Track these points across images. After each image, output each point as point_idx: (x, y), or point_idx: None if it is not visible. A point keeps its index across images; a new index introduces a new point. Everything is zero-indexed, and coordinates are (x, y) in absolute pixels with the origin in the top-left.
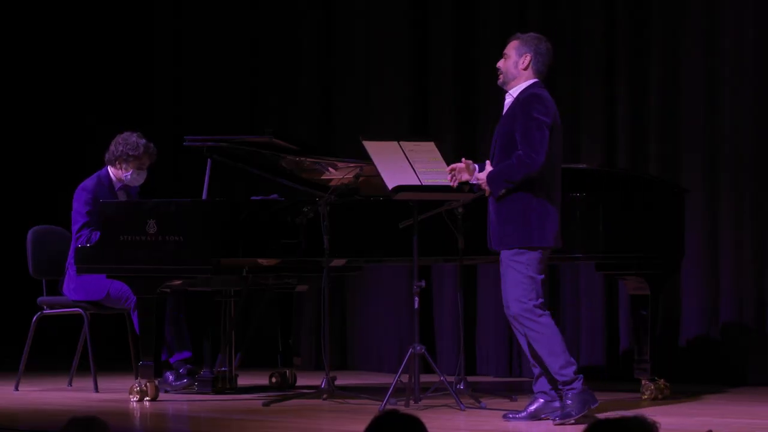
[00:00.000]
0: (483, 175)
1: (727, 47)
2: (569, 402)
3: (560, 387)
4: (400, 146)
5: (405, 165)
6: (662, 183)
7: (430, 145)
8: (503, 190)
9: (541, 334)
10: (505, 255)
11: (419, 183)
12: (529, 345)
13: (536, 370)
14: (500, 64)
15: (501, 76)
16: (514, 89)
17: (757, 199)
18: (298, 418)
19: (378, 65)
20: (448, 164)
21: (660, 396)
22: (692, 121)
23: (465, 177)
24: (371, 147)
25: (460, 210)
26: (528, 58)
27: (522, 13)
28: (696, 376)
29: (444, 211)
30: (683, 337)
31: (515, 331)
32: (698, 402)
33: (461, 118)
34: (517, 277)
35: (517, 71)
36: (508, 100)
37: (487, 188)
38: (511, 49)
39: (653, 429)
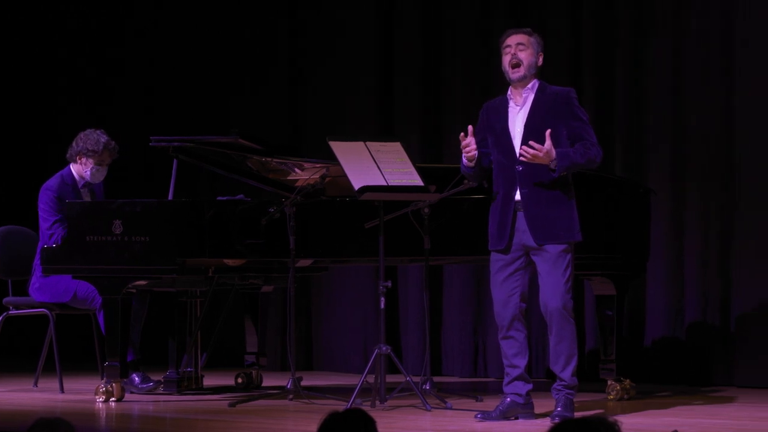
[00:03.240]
0: (546, 145)
1: (692, 48)
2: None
3: (564, 388)
4: (367, 147)
5: (371, 165)
6: (628, 183)
7: (397, 146)
8: (564, 171)
9: (572, 334)
10: (554, 250)
11: (385, 183)
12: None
13: (516, 372)
14: (522, 56)
15: (522, 69)
16: (531, 83)
17: (722, 200)
18: (263, 418)
19: (345, 66)
20: (413, 164)
21: (625, 396)
22: (658, 121)
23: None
24: (337, 147)
25: (426, 210)
26: (541, 58)
27: (488, 13)
28: (661, 376)
29: (410, 211)
30: (648, 337)
31: (550, 326)
32: (663, 402)
33: (427, 118)
34: (567, 272)
35: (536, 67)
36: (527, 94)
37: (553, 162)
38: (534, 43)
39: (614, 428)
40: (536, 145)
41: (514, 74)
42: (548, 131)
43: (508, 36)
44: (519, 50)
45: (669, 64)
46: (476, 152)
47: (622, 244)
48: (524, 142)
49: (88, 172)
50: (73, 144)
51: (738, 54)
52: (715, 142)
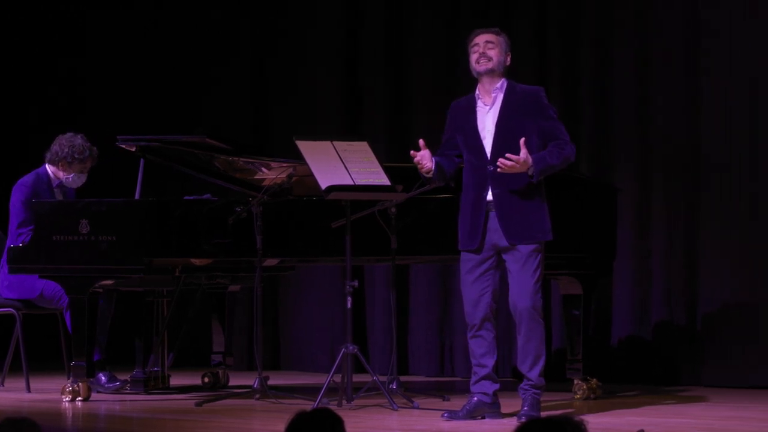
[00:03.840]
0: (522, 155)
1: (658, 47)
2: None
3: (531, 388)
4: (333, 146)
5: (338, 165)
6: (595, 183)
7: (363, 145)
8: (542, 176)
9: (540, 334)
10: (525, 249)
11: (352, 183)
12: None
13: (484, 371)
14: (493, 53)
15: (491, 64)
16: (500, 83)
17: (688, 199)
18: (230, 418)
19: (311, 65)
20: (380, 164)
21: (592, 395)
22: (624, 121)
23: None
24: (304, 147)
25: (392, 210)
26: (509, 57)
27: (456, 13)
28: (628, 376)
29: (377, 211)
30: (615, 336)
31: (519, 326)
32: (630, 401)
33: (394, 117)
34: (537, 272)
35: (504, 66)
36: (496, 93)
37: (530, 169)
38: (502, 43)
39: (581, 427)
40: (513, 157)
41: (481, 66)
42: (522, 140)
43: (476, 35)
44: (488, 48)
45: (634, 63)
46: (431, 164)
47: (589, 244)
48: (496, 142)
49: (69, 178)
50: (55, 147)
51: (704, 53)
52: (681, 141)
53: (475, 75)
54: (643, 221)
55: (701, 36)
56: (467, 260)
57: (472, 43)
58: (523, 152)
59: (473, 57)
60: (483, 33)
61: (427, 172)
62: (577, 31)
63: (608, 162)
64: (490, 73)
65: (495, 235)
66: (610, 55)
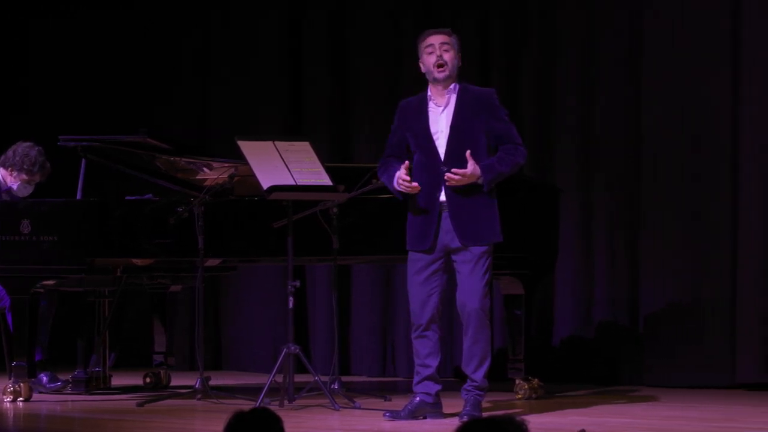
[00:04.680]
0: (469, 168)
1: (599, 47)
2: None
3: (474, 389)
4: (275, 146)
5: (280, 165)
6: (536, 184)
7: (305, 145)
8: (493, 184)
9: (487, 336)
10: (477, 251)
11: (294, 183)
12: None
13: (428, 372)
14: (447, 57)
15: (447, 69)
16: (453, 84)
17: (630, 200)
18: (172, 418)
19: (254, 65)
20: (322, 164)
21: (534, 395)
22: (566, 121)
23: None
24: (246, 147)
25: (334, 210)
26: (460, 58)
27: (397, 13)
28: (569, 376)
29: (318, 211)
30: (557, 336)
31: (467, 327)
32: (571, 401)
33: (336, 118)
34: (486, 274)
35: (457, 68)
36: (449, 94)
37: (480, 179)
38: (455, 44)
39: (522, 427)
40: (459, 171)
41: (439, 74)
42: (468, 152)
43: (430, 35)
44: (444, 51)
45: (576, 63)
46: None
47: (531, 244)
48: (450, 142)
49: (16, 186)
50: (10, 153)
51: (646, 52)
52: (622, 141)
53: (430, 78)
54: (585, 221)
55: (643, 36)
56: (416, 260)
57: (426, 44)
58: (470, 165)
59: (430, 59)
60: (437, 34)
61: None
62: (519, 32)
63: (550, 163)
64: (447, 79)
65: (447, 236)
66: (552, 55)
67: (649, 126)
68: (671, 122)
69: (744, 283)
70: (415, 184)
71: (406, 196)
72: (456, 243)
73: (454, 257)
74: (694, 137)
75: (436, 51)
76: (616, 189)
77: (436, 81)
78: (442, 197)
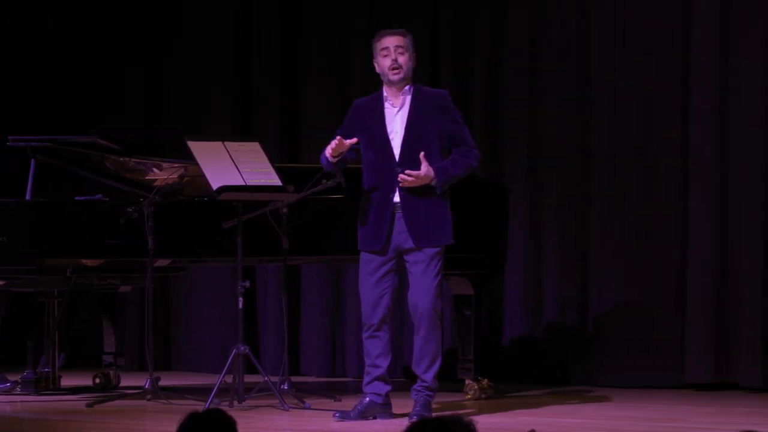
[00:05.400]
0: (423, 170)
1: (549, 47)
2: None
3: (424, 389)
4: (225, 146)
5: (229, 165)
6: (486, 183)
7: (255, 146)
8: (446, 186)
9: (439, 337)
10: (430, 252)
11: (243, 183)
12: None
13: (378, 372)
14: (402, 60)
15: (402, 73)
16: (407, 86)
17: (579, 200)
18: (121, 418)
19: (203, 65)
20: (272, 164)
21: (483, 395)
22: (515, 121)
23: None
24: (195, 147)
25: (284, 210)
26: (415, 58)
27: (347, 13)
28: (519, 376)
29: (268, 211)
30: (507, 337)
31: (418, 327)
32: (521, 401)
33: (285, 118)
34: (439, 275)
35: (412, 69)
36: (404, 95)
37: (433, 181)
38: (409, 45)
39: (470, 427)
40: (413, 173)
41: (394, 76)
42: (422, 154)
43: (385, 37)
44: (399, 53)
45: (526, 63)
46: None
47: (480, 244)
48: (405, 143)
49: None
50: None
51: (594, 53)
52: (572, 141)
53: (385, 80)
54: (534, 221)
55: (591, 34)
56: (369, 261)
57: (382, 46)
58: (424, 166)
59: (385, 61)
60: (392, 35)
61: (336, 156)
62: (469, 32)
63: (500, 163)
64: (402, 81)
65: (400, 236)
66: (501, 56)
67: (599, 126)
68: (621, 122)
69: (693, 284)
70: (338, 138)
71: (334, 166)
72: (409, 243)
73: (406, 258)
74: (645, 137)
75: (391, 54)
76: (566, 189)
77: (391, 83)
78: (396, 198)
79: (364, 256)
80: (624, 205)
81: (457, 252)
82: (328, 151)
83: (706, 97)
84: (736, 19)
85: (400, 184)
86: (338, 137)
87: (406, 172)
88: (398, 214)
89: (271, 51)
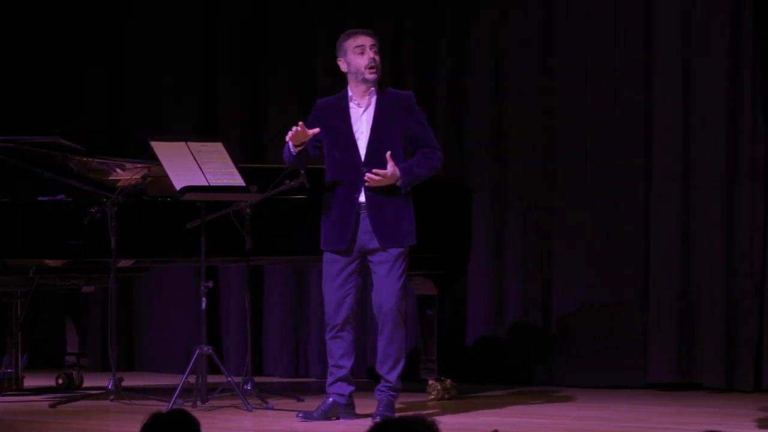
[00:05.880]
0: (389, 169)
1: (513, 48)
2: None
3: (388, 389)
4: (188, 147)
5: (192, 165)
6: (448, 183)
7: (218, 146)
8: (410, 187)
9: (403, 337)
10: (394, 252)
11: (207, 183)
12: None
13: (342, 372)
14: (378, 59)
15: (378, 71)
16: (372, 87)
17: (543, 200)
18: (84, 419)
19: (166, 66)
20: (235, 164)
21: (447, 396)
22: (478, 121)
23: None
24: (159, 148)
25: (247, 211)
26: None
27: (310, 14)
28: (482, 376)
29: (231, 211)
30: (470, 337)
31: (383, 328)
32: (484, 401)
33: (249, 118)
34: (403, 277)
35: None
36: (371, 95)
37: (399, 181)
38: (378, 45)
39: (433, 428)
40: (380, 172)
41: (371, 74)
42: (388, 153)
43: (360, 35)
44: (375, 52)
45: (490, 64)
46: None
47: (443, 244)
48: (371, 143)
49: None
50: None
51: (558, 54)
52: (535, 142)
53: (357, 78)
54: (497, 221)
55: (555, 38)
56: (333, 261)
57: (356, 43)
58: (390, 166)
59: (360, 60)
60: (366, 35)
61: (298, 146)
62: (432, 32)
63: (463, 162)
64: (376, 81)
65: (365, 236)
66: (465, 56)
67: (562, 126)
68: (584, 122)
69: (656, 284)
70: (300, 123)
71: (296, 159)
72: (373, 244)
73: (370, 258)
74: (608, 137)
75: (368, 52)
76: (529, 189)
77: (366, 81)
78: (362, 198)
79: (327, 257)
80: (587, 205)
81: (421, 252)
82: (289, 136)
83: (669, 95)
84: (697, 17)
85: (367, 184)
86: (299, 122)
87: (374, 171)
88: (363, 214)
89: (233, 51)
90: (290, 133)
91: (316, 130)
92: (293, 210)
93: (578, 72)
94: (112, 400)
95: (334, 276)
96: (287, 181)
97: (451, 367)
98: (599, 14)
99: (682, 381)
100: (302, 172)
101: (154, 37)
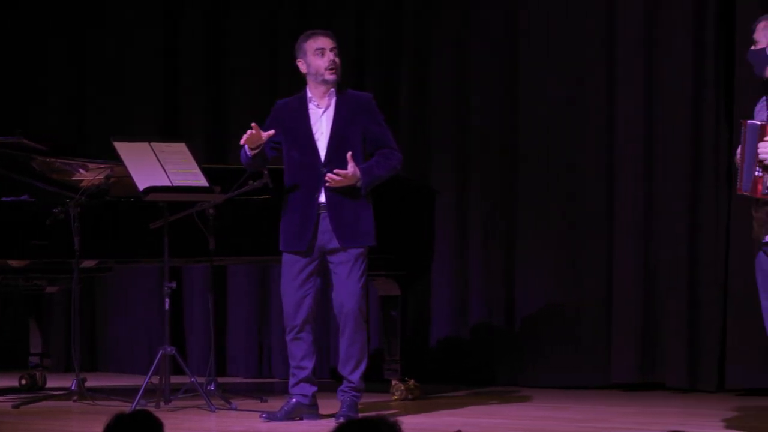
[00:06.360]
0: (350, 170)
1: (476, 46)
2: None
3: (350, 390)
4: (151, 147)
5: (156, 166)
6: (412, 184)
7: (181, 146)
8: (371, 188)
9: (364, 337)
10: (354, 252)
11: (170, 184)
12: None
13: (304, 373)
14: (338, 60)
15: (337, 72)
16: (332, 88)
17: (506, 201)
18: (48, 419)
19: (129, 65)
20: (198, 165)
21: (410, 396)
22: (441, 121)
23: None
24: (122, 148)
25: (211, 211)
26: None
27: (273, 14)
28: (446, 377)
29: (195, 212)
30: (433, 337)
31: (344, 328)
32: (447, 402)
33: (212, 119)
34: (363, 276)
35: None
36: (330, 96)
37: (359, 182)
38: (336, 46)
39: (395, 428)
40: (341, 172)
41: (331, 75)
42: (349, 154)
43: (320, 36)
44: (335, 54)
45: (453, 65)
46: (262, 142)
47: (406, 245)
48: (330, 144)
49: None
50: None
51: (522, 53)
52: (498, 142)
53: (317, 79)
54: (461, 222)
55: (519, 36)
56: (292, 262)
57: (317, 45)
58: (351, 166)
59: (321, 61)
60: (326, 36)
61: (254, 148)
62: (395, 32)
63: (426, 163)
64: (335, 82)
65: (325, 237)
66: (429, 56)
67: (525, 127)
68: (547, 122)
69: (619, 285)
70: (253, 125)
71: (259, 161)
72: (333, 244)
73: (330, 258)
74: (570, 138)
75: (328, 54)
76: (493, 190)
77: (326, 83)
78: (322, 198)
79: (286, 258)
80: (550, 205)
81: (384, 253)
82: (243, 139)
83: (631, 97)
84: (660, 18)
85: (327, 184)
86: (253, 124)
87: (335, 171)
88: (323, 214)
89: (196, 51)
90: (245, 137)
91: (271, 132)
92: (256, 210)
93: (542, 73)
94: (75, 401)
95: (293, 277)
96: (251, 182)
97: (415, 367)
98: (563, 16)
99: (645, 381)
100: (265, 172)
101: (117, 37)
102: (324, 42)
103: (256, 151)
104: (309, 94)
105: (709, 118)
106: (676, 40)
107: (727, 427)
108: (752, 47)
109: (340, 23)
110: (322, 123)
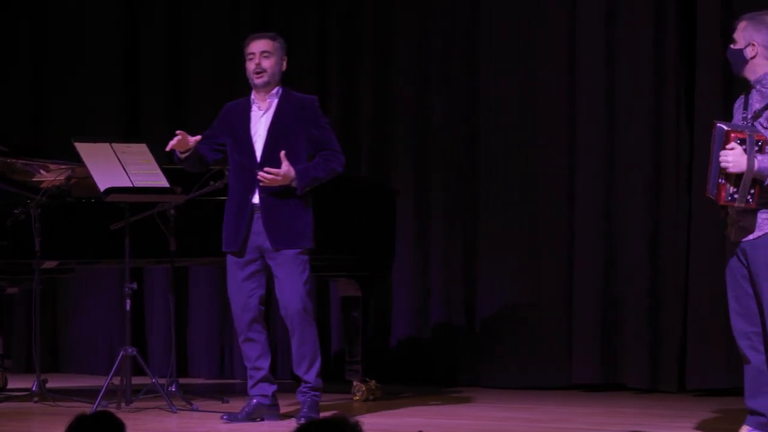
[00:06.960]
0: (283, 169)
1: (437, 47)
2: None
3: (309, 390)
4: (112, 148)
5: (117, 167)
6: (373, 184)
7: (142, 147)
8: (307, 188)
9: (314, 336)
10: (290, 254)
11: (131, 185)
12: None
13: (261, 374)
14: (266, 64)
15: (266, 76)
16: (276, 89)
17: (466, 200)
18: (8, 421)
19: (90, 65)
20: (159, 166)
21: (371, 397)
22: (403, 122)
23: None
24: (83, 149)
25: (172, 212)
26: (285, 62)
27: (235, 14)
28: (407, 377)
29: (156, 212)
30: (394, 338)
31: (292, 330)
32: (409, 402)
33: (173, 119)
34: (303, 276)
35: (280, 73)
36: (271, 99)
37: (294, 181)
38: (278, 49)
39: (356, 428)
40: (273, 170)
41: (258, 79)
42: (282, 153)
43: (251, 42)
44: (263, 58)
45: (414, 65)
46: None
47: (367, 246)
48: (267, 146)
49: None
50: None
51: (483, 53)
52: (459, 143)
53: (251, 83)
54: (422, 222)
55: (480, 36)
56: (233, 264)
57: (248, 51)
58: (285, 165)
59: (249, 65)
60: (258, 40)
61: (185, 152)
62: (356, 31)
63: (387, 164)
64: (266, 85)
65: (259, 237)
66: (389, 56)
67: (486, 126)
68: (508, 122)
69: (580, 285)
70: (179, 132)
71: (194, 161)
72: (268, 245)
73: (268, 260)
74: (531, 138)
75: (256, 58)
76: (453, 190)
77: (256, 87)
78: (255, 199)
79: (228, 259)
80: (511, 206)
81: (345, 253)
82: (169, 146)
83: (592, 98)
84: (621, 18)
85: (260, 183)
86: (179, 132)
87: (265, 169)
88: (257, 215)
89: (157, 51)
90: (171, 143)
91: (198, 137)
92: (218, 211)
93: (503, 73)
94: (36, 402)
95: (234, 278)
96: (212, 183)
97: (376, 368)
98: (524, 16)
99: (606, 382)
100: (226, 173)
101: (76, 36)
102: (254, 47)
103: (187, 154)
104: (252, 98)
105: (670, 120)
106: (637, 39)
107: (688, 428)
108: (731, 46)
109: (301, 24)
110: (260, 125)
